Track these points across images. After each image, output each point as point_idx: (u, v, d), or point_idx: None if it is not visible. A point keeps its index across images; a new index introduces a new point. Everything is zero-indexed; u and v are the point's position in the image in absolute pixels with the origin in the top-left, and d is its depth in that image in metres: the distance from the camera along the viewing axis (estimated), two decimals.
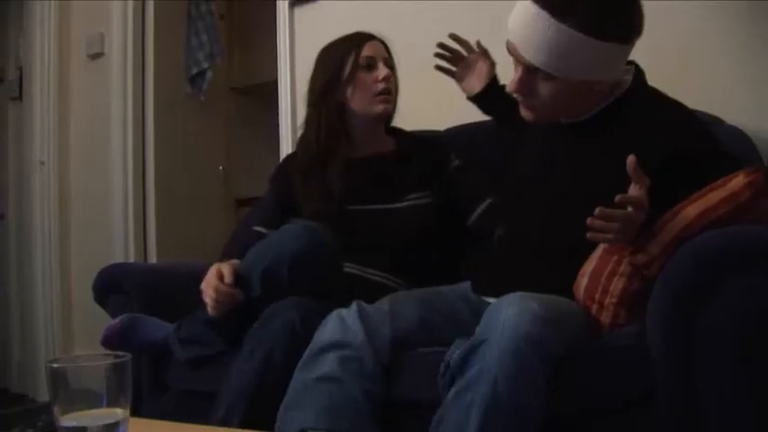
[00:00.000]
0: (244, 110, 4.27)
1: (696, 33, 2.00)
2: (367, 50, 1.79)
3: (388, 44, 1.89)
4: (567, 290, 1.35)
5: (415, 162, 1.83)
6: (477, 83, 1.79)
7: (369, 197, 1.77)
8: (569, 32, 1.24)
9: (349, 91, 1.78)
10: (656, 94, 1.43)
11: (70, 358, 0.93)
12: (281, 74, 2.78)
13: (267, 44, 3.08)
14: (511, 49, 1.34)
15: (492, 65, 1.79)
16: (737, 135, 1.78)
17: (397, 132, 1.93)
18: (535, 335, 1.11)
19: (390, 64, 1.84)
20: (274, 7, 2.80)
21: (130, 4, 3.26)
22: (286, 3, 2.74)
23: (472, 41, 1.80)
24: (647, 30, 2.02)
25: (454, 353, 1.20)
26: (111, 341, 1.62)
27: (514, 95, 1.40)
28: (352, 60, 1.78)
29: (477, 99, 1.81)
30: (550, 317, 1.14)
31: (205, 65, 3.70)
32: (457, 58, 1.80)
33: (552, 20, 1.24)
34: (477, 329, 1.20)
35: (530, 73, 1.33)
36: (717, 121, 1.83)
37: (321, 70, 1.83)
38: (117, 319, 1.64)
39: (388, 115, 1.86)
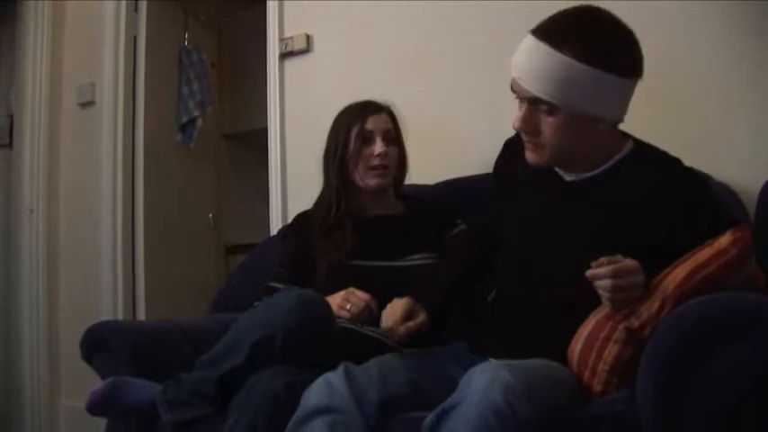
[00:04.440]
0: (234, 157, 4.29)
1: (684, 89, 2.03)
2: (369, 124, 1.89)
3: (396, 113, 1.96)
4: (561, 352, 1.35)
5: (421, 225, 1.91)
6: None
7: (373, 254, 1.84)
8: (566, 60, 1.28)
9: (352, 164, 1.88)
10: (656, 152, 1.45)
11: None
12: (272, 123, 2.80)
13: (258, 91, 3.10)
14: (514, 85, 1.37)
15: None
16: (725, 192, 1.79)
17: (407, 197, 2.01)
18: (504, 406, 1.09)
19: (391, 137, 1.91)
20: (265, 55, 2.84)
21: (122, 54, 3.27)
22: (276, 55, 2.77)
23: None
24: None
25: (430, 415, 1.19)
26: (95, 408, 1.59)
27: (520, 133, 1.41)
28: (355, 133, 1.87)
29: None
30: (524, 387, 1.12)
31: (196, 113, 3.71)
32: None
33: (550, 49, 1.29)
34: (453, 394, 1.19)
35: (533, 108, 1.35)
36: (705, 178, 1.85)
37: (333, 139, 1.93)
38: (101, 384, 1.60)
39: (383, 188, 1.92)
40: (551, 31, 1.31)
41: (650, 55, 2.02)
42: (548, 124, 1.35)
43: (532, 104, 1.35)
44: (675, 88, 2.03)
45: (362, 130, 1.88)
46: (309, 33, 2.71)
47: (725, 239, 1.25)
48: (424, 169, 2.12)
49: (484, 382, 1.13)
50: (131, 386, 1.63)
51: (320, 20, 2.71)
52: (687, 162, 1.83)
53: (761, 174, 1.78)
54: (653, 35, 2.05)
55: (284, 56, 2.76)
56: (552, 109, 1.32)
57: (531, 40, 1.33)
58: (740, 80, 1.95)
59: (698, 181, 1.41)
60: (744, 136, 1.94)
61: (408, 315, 1.55)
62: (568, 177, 1.46)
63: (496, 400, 1.10)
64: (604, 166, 1.43)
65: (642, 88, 2.02)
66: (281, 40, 2.77)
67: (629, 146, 1.45)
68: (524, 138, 1.41)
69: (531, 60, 1.32)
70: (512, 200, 1.58)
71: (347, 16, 2.65)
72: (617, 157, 1.43)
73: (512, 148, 1.62)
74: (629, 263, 1.22)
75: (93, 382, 1.69)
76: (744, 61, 1.95)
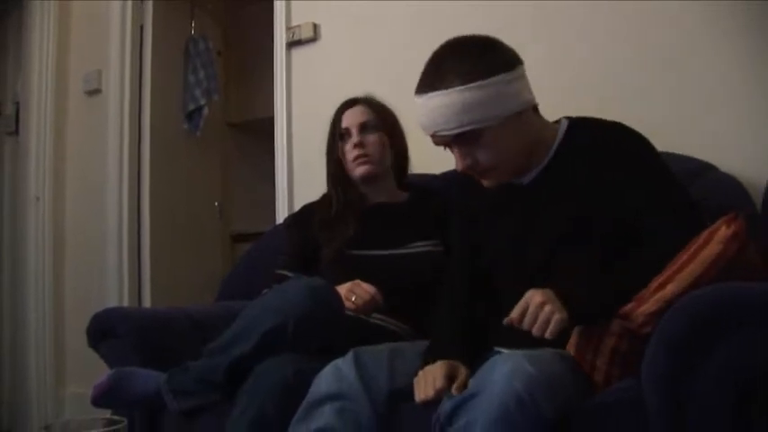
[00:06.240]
0: (240, 145, 4.30)
1: (690, 79, 2.03)
2: (344, 121, 1.95)
3: (374, 102, 2.00)
4: (561, 345, 1.34)
5: (422, 212, 1.93)
6: None
7: (374, 243, 1.86)
8: (457, 90, 1.35)
9: (344, 161, 1.95)
10: (591, 121, 1.49)
11: (62, 423, 0.92)
12: (278, 112, 2.80)
13: (264, 80, 3.10)
14: (436, 140, 1.42)
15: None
16: (730, 182, 1.79)
17: (411, 185, 2.03)
18: (525, 396, 1.09)
19: (368, 126, 1.94)
20: (271, 44, 2.84)
21: (128, 42, 3.28)
22: (283, 44, 2.77)
23: None
24: (641, 75, 2.06)
25: (446, 404, 1.20)
26: (100, 400, 1.59)
27: (469, 173, 1.45)
28: (338, 133, 1.95)
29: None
30: (545, 378, 1.13)
31: (202, 101, 3.71)
32: None
33: (442, 92, 1.36)
34: (471, 383, 1.20)
35: (462, 144, 1.40)
36: (710, 168, 1.85)
37: (329, 137, 2.00)
38: (105, 377, 1.60)
39: (371, 175, 1.93)
40: (432, 82, 1.39)
41: (655, 53, 2.05)
42: (482, 148, 1.40)
43: (459, 143, 1.40)
44: (680, 78, 2.03)
45: (340, 129, 1.95)
46: (317, 22, 2.71)
47: (722, 235, 1.22)
48: (430, 159, 2.11)
49: (506, 372, 1.13)
50: (136, 376, 1.63)
51: (327, 9, 2.71)
52: (692, 153, 1.84)
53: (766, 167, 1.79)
54: (657, 34, 2.07)
55: (291, 45, 2.76)
56: (477, 134, 1.37)
57: (423, 100, 1.39)
58: (744, 77, 1.95)
59: (634, 134, 1.43)
60: (749, 130, 1.93)
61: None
62: (524, 181, 1.49)
63: (518, 389, 1.10)
64: (549, 154, 1.47)
65: (649, 85, 2.03)
66: (289, 28, 2.77)
67: (563, 125, 1.50)
68: (475, 174, 1.46)
69: (434, 112, 1.38)
70: (480, 225, 1.58)
71: (354, 5, 2.64)
72: (558, 139, 1.48)
73: (465, 186, 1.64)
74: (519, 305, 1.26)
75: (100, 370, 1.70)
76: (747, 58, 1.95)
